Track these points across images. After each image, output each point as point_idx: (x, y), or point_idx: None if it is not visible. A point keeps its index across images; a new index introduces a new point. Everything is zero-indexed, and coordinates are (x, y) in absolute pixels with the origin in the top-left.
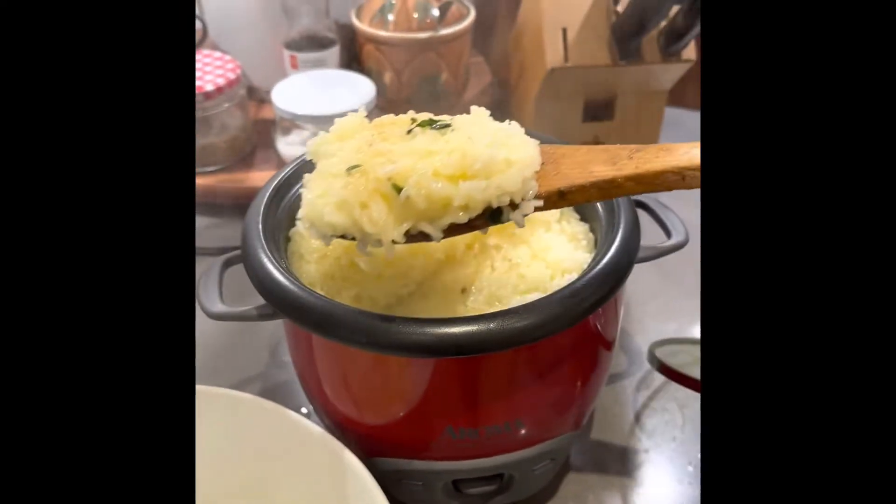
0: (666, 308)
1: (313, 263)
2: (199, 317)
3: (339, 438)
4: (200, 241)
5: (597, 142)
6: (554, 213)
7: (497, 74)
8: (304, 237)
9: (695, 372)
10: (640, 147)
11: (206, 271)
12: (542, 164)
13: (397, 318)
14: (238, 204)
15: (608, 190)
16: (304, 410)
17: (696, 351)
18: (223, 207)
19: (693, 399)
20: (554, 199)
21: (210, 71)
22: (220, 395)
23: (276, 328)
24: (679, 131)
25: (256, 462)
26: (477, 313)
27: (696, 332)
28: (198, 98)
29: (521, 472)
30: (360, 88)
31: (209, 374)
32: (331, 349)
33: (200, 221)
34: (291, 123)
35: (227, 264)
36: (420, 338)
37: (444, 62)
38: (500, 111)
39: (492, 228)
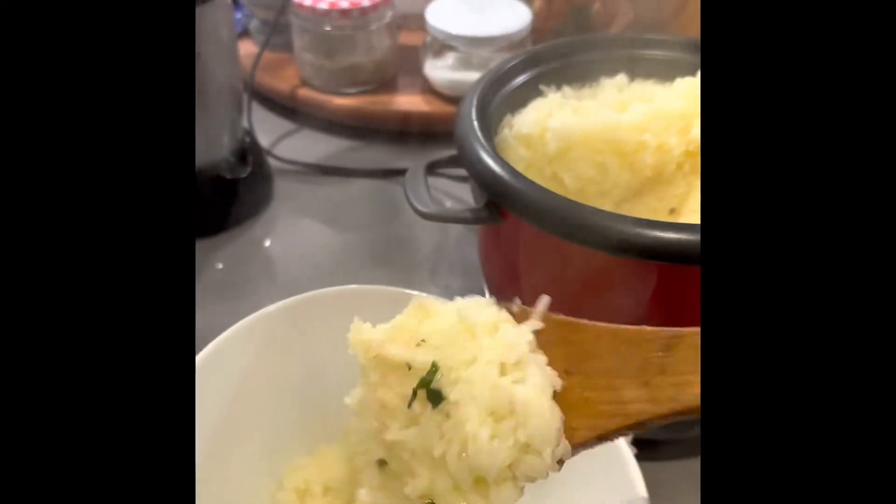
0: None
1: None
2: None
3: None
4: (344, 163)
5: None
6: None
7: (638, 11)
8: (510, 145)
9: None
10: (669, 345)
11: (411, 175)
12: (565, 377)
13: (634, 218)
14: (381, 127)
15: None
16: None
17: None
18: (366, 130)
19: None
20: (587, 446)
21: None
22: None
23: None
24: None
25: None
26: None
27: None
28: (352, 14)
29: None
30: (516, 12)
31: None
32: (550, 250)
33: (342, 143)
34: (442, 45)
35: (430, 168)
36: (660, 240)
37: None
38: None
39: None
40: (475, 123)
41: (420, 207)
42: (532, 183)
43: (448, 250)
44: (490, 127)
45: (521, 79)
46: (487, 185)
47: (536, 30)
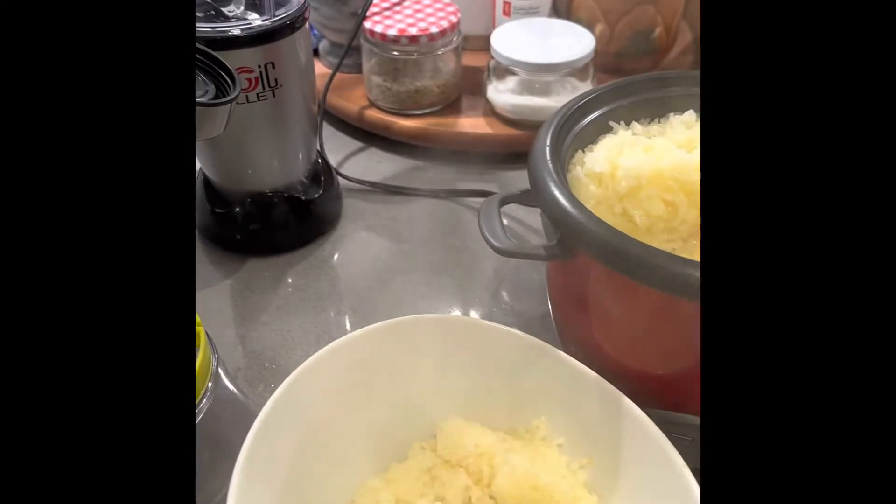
0: None
1: (590, 210)
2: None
3: None
4: (409, 182)
5: None
6: None
7: (698, 33)
8: (581, 182)
9: None
10: None
11: (485, 210)
12: None
13: None
14: (445, 148)
15: None
16: None
17: None
18: (430, 150)
19: None
20: None
21: (432, 13)
22: (492, 329)
23: (500, 266)
24: None
25: (525, 398)
26: None
27: None
28: (421, 40)
29: None
30: (579, 38)
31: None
32: (623, 291)
33: (407, 163)
34: (505, 70)
35: (503, 203)
36: None
37: (660, 16)
38: None
39: None
40: (549, 163)
41: (495, 243)
42: (606, 225)
43: (508, 271)
44: (563, 164)
45: (591, 116)
46: (561, 224)
47: (599, 54)
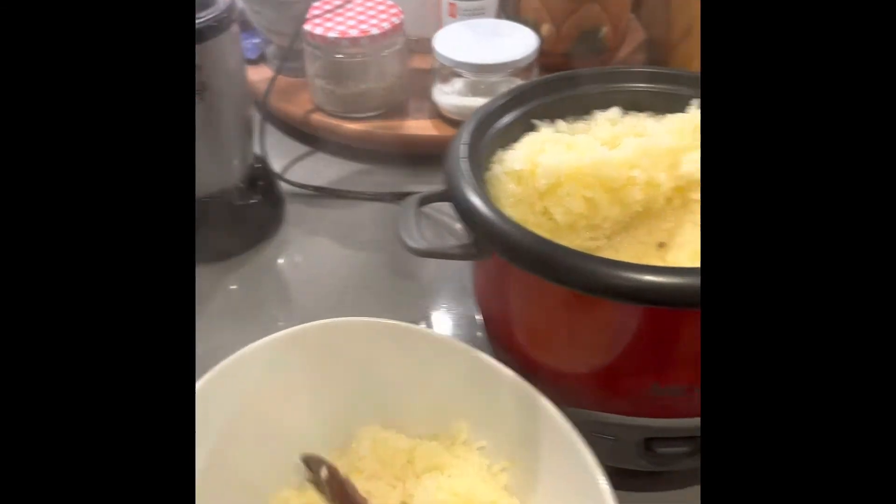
0: None
1: (508, 208)
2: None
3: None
4: (355, 186)
5: None
6: None
7: (650, 32)
8: (500, 181)
9: None
10: None
11: (402, 210)
12: None
13: (620, 262)
14: (392, 151)
15: None
16: None
17: None
18: (377, 154)
19: None
20: None
21: (374, 15)
22: (411, 332)
23: (435, 270)
24: None
25: (446, 401)
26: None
27: None
28: (362, 42)
29: None
30: (523, 39)
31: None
32: (538, 291)
33: (353, 167)
34: (450, 72)
35: (422, 203)
36: (645, 284)
37: (607, 15)
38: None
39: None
40: (461, 162)
41: (410, 243)
42: (514, 223)
43: (450, 274)
44: (481, 163)
45: (513, 114)
46: (471, 222)
47: (546, 54)
